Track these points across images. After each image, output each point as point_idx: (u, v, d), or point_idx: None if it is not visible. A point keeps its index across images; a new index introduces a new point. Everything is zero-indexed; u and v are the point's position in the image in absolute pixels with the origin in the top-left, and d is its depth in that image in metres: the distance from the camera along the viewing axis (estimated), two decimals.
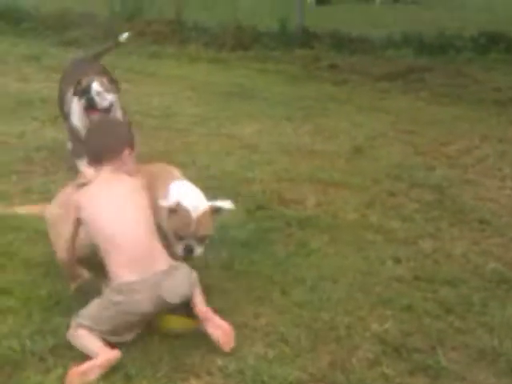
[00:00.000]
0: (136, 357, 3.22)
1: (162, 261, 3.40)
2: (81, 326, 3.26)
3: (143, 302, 3.26)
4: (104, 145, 3.66)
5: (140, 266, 3.32)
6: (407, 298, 3.85)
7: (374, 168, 6.02)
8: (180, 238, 3.66)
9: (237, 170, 5.81)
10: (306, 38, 11.47)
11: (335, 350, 3.39)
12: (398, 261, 4.31)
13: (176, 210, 3.63)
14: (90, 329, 3.25)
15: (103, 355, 3.13)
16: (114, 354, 3.13)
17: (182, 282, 3.39)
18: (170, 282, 3.33)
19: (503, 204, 5.33)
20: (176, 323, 3.43)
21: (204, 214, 3.69)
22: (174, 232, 3.67)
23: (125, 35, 6.50)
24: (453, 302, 3.83)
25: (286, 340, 3.43)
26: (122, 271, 3.30)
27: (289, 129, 7.21)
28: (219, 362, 3.23)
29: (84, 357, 3.18)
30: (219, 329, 3.35)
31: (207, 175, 5.60)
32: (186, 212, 3.64)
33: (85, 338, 3.24)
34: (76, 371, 3.04)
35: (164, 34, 12.13)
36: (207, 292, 3.68)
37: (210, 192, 5.15)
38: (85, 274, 3.71)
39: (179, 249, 3.67)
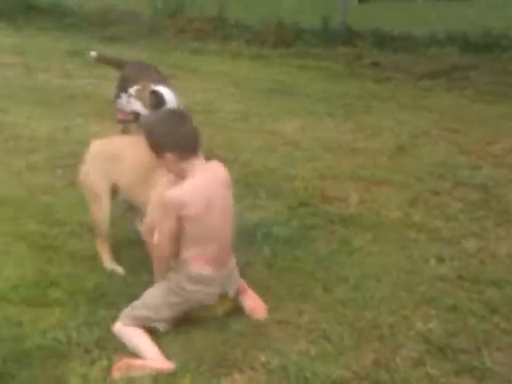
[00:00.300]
0: (178, 351, 3.24)
1: (232, 259, 3.61)
2: (135, 318, 3.30)
3: (213, 295, 3.46)
4: (196, 133, 3.52)
5: (220, 262, 3.49)
6: (452, 298, 3.80)
7: (417, 166, 5.96)
8: None
9: (279, 166, 5.81)
10: (349, 36, 11.39)
11: (379, 348, 3.36)
12: (441, 260, 4.26)
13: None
14: (148, 319, 3.30)
15: (158, 364, 3.16)
16: (168, 366, 3.15)
17: (238, 277, 3.64)
18: (233, 278, 3.59)
19: None
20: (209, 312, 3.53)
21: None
22: None
23: (93, 53, 6.15)
24: (498, 302, 3.77)
25: (329, 337, 3.42)
26: (205, 265, 3.41)
27: (331, 126, 7.17)
28: (262, 357, 3.23)
29: (129, 350, 3.21)
30: (253, 300, 3.60)
31: (250, 171, 5.61)
32: None
33: (139, 339, 3.28)
34: (126, 363, 3.09)
35: (206, 31, 12.16)
36: (250, 288, 3.71)
37: (253, 188, 5.22)
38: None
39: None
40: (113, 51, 10.22)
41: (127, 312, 3.36)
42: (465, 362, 3.26)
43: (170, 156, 3.41)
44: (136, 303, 3.39)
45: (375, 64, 10.25)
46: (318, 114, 7.60)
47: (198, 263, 3.41)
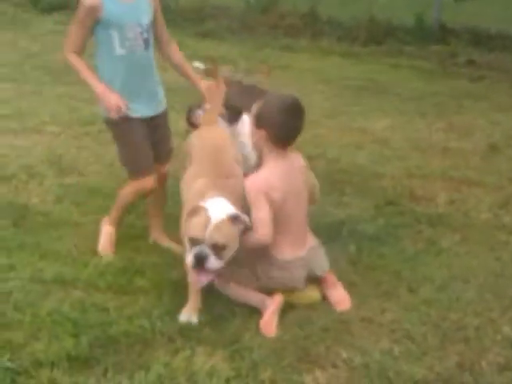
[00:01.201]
0: (261, 344, 3.25)
1: (311, 237, 3.71)
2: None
3: (300, 278, 3.57)
4: (300, 130, 3.60)
5: (300, 244, 3.60)
6: None
7: (511, 167, 5.81)
8: (194, 244, 3.29)
9: (367, 164, 5.76)
10: (443, 34, 11.20)
11: (463, 351, 3.30)
12: None
13: (195, 211, 3.34)
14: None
15: (272, 302, 3.43)
16: (279, 299, 3.44)
17: (324, 256, 3.73)
18: (318, 256, 3.68)
19: None
20: (304, 298, 3.63)
21: (223, 221, 3.28)
22: (189, 237, 3.32)
23: (197, 64, 5.76)
24: None
25: (413, 337, 3.38)
26: (286, 249, 3.53)
27: (422, 125, 7.07)
28: (344, 354, 3.21)
29: (211, 341, 3.24)
30: (339, 292, 3.65)
31: (337, 168, 5.59)
32: (205, 214, 3.30)
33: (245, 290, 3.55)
34: (264, 323, 3.36)
35: (297, 27, 12.15)
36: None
37: (339, 185, 5.20)
38: None
39: (189, 257, 3.30)
40: (205, 46, 10.44)
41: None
42: None
43: (263, 133, 3.50)
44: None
45: (470, 62, 10.05)
46: (408, 112, 7.51)
47: (285, 250, 3.51)
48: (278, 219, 3.47)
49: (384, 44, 11.24)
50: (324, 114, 7.32)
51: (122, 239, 4.17)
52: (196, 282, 3.35)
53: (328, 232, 4.26)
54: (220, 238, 3.25)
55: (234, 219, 3.31)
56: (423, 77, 9.42)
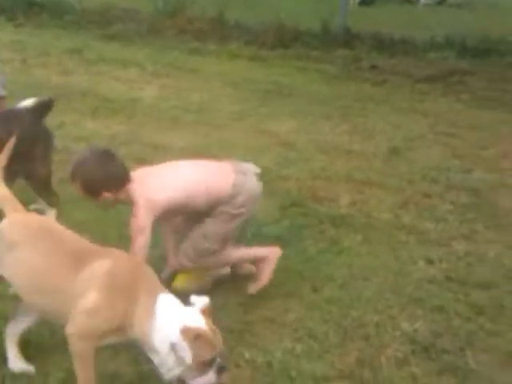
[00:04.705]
0: None
1: None
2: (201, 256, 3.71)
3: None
4: (123, 163, 3.69)
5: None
6: (438, 299, 3.84)
7: (411, 169, 5.98)
8: (208, 365, 2.76)
9: (273, 166, 5.82)
10: (348, 39, 11.41)
11: (364, 347, 3.40)
12: (430, 262, 4.30)
13: (199, 336, 2.72)
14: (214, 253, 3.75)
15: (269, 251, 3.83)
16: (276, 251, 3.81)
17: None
18: None
19: None
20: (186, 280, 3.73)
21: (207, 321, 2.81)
22: (199, 362, 2.72)
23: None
24: (484, 304, 3.81)
25: (315, 336, 3.45)
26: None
27: (326, 128, 7.18)
28: (247, 354, 3.26)
29: (114, 344, 3.21)
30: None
31: None
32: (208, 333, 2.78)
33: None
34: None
35: (205, 31, 12.16)
36: (240, 283, 3.75)
37: None
38: None
39: (212, 378, 2.77)
40: (112, 49, 10.34)
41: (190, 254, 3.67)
42: (448, 362, 3.30)
43: (107, 195, 3.53)
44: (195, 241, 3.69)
45: (373, 67, 10.26)
46: (314, 115, 7.62)
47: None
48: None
49: (291, 48, 11.36)
50: (231, 117, 7.36)
51: None
52: None
53: None
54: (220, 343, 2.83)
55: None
56: (329, 80, 9.57)
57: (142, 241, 3.48)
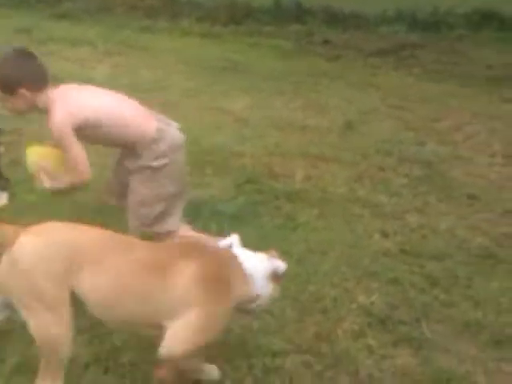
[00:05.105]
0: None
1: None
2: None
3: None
4: (44, 66, 3.50)
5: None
6: (393, 272, 3.88)
7: (365, 143, 6.03)
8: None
9: (228, 143, 5.81)
10: (300, 14, 11.43)
11: (321, 321, 3.42)
12: (385, 235, 4.35)
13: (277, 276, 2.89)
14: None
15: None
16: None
17: None
18: None
19: (492, 180, 5.36)
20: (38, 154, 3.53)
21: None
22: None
23: None
24: (438, 275, 3.87)
25: (272, 311, 3.45)
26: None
27: (280, 103, 7.20)
28: None
29: None
30: None
31: (198, 149, 5.59)
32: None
33: None
34: None
35: (156, 8, 12.07)
36: None
37: (200, 166, 5.23)
38: None
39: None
40: (62, 27, 10.18)
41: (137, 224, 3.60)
42: (404, 333, 3.35)
43: (23, 91, 3.38)
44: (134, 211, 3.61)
45: (326, 42, 10.30)
46: (267, 91, 7.63)
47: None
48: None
49: (244, 24, 11.33)
50: (184, 94, 7.33)
51: None
52: None
53: (189, 212, 4.29)
54: None
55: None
56: (282, 56, 9.58)
57: (75, 147, 3.39)
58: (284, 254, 3.95)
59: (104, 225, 2.80)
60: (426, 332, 3.36)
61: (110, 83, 7.44)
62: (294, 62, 9.28)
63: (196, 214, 4.36)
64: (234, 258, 2.80)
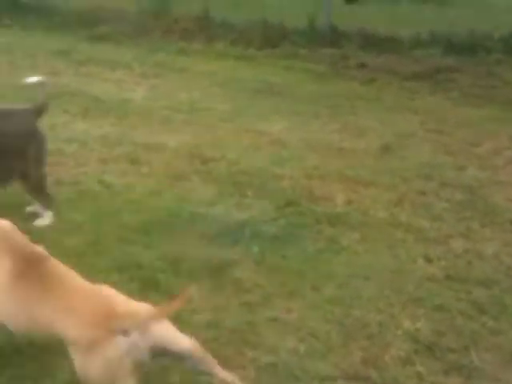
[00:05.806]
0: None
1: None
2: None
3: None
4: None
5: None
6: (439, 298, 3.83)
7: (403, 167, 5.98)
8: None
9: (266, 165, 5.81)
10: (334, 37, 11.40)
11: (367, 346, 3.38)
12: (429, 260, 4.29)
13: None
14: None
15: None
16: None
17: None
18: None
19: None
20: None
21: None
22: None
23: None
24: (485, 302, 3.81)
25: (317, 335, 3.43)
26: None
27: (317, 126, 7.18)
28: (251, 354, 3.23)
29: None
30: None
31: (237, 170, 5.61)
32: None
33: None
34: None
35: (191, 30, 12.12)
36: (239, 286, 3.72)
37: (240, 187, 5.23)
38: None
39: None
40: (100, 50, 10.29)
41: None
42: (453, 361, 3.29)
43: None
44: None
45: (361, 65, 10.27)
46: (303, 114, 7.61)
47: None
48: None
49: (278, 47, 11.33)
50: (221, 116, 7.34)
51: None
52: None
53: (231, 234, 4.29)
54: None
55: None
56: (317, 79, 9.56)
57: None
58: (327, 278, 3.97)
59: None
60: (475, 360, 3.30)
61: (149, 104, 7.56)
62: (329, 85, 9.27)
63: (238, 236, 4.36)
64: None
